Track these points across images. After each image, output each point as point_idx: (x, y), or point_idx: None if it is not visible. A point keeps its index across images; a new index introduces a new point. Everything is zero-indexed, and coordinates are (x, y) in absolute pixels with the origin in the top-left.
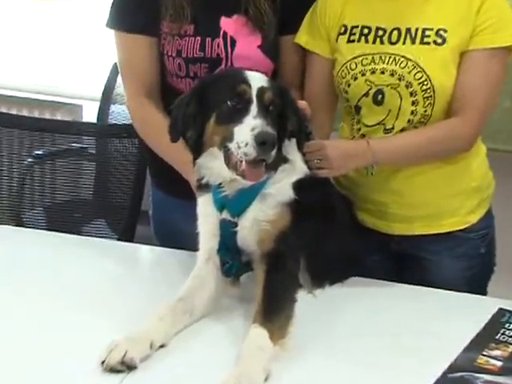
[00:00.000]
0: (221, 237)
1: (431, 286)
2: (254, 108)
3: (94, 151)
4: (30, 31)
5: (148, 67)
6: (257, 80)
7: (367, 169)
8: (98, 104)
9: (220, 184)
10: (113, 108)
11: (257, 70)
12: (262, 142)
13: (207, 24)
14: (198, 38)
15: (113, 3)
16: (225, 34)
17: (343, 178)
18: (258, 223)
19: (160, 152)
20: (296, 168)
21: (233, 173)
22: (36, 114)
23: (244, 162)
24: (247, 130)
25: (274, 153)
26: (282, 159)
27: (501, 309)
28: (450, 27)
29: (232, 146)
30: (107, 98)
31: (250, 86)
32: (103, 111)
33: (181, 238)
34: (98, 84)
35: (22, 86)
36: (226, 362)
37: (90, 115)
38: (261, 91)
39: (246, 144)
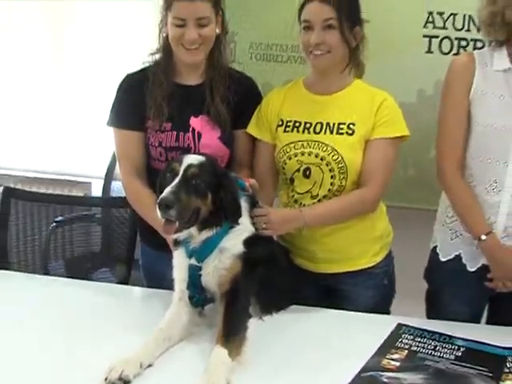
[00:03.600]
0: (189, 277)
1: (350, 310)
2: (176, 180)
3: (100, 216)
4: (51, 122)
5: (137, 154)
6: (190, 159)
7: (300, 229)
8: (102, 181)
9: (188, 239)
10: (113, 184)
11: (215, 155)
12: (161, 204)
13: (180, 122)
14: (174, 133)
15: (112, 106)
16: (193, 129)
17: (285, 234)
18: (218, 270)
19: (146, 218)
20: (245, 228)
21: None
22: (58, 190)
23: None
24: None
25: (175, 213)
26: (219, 220)
27: (399, 324)
28: (358, 122)
29: None
30: (109, 176)
31: (181, 163)
32: (106, 187)
33: (163, 280)
34: (103, 166)
35: (47, 169)
36: (197, 373)
37: (97, 189)
38: (187, 167)
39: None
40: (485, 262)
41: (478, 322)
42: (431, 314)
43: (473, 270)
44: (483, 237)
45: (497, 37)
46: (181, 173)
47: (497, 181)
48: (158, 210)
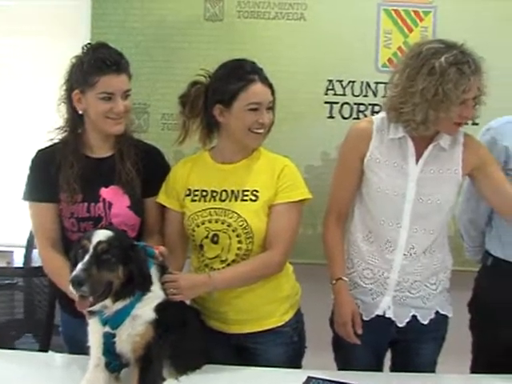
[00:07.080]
0: (104, 344)
1: (263, 366)
2: (87, 257)
3: (22, 284)
4: None
5: (52, 226)
6: (99, 236)
7: (210, 292)
8: (24, 250)
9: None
10: (35, 252)
11: (126, 223)
12: (73, 282)
13: (91, 194)
14: (85, 204)
15: (26, 182)
16: (104, 199)
17: (196, 297)
18: (131, 337)
19: (63, 289)
20: (156, 295)
21: None
22: None
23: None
24: None
25: (88, 289)
26: (131, 290)
27: (309, 377)
28: (261, 189)
29: None
30: (30, 245)
31: (90, 240)
32: (28, 255)
33: (83, 346)
34: (24, 235)
35: None
36: None
37: (19, 257)
38: (97, 244)
39: None
40: (379, 313)
41: (380, 364)
42: (338, 359)
43: (367, 319)
44: (333, 281)
45: (424, 132)
46: (91, 250)
47: (390, 241)
48: (71, 286)
